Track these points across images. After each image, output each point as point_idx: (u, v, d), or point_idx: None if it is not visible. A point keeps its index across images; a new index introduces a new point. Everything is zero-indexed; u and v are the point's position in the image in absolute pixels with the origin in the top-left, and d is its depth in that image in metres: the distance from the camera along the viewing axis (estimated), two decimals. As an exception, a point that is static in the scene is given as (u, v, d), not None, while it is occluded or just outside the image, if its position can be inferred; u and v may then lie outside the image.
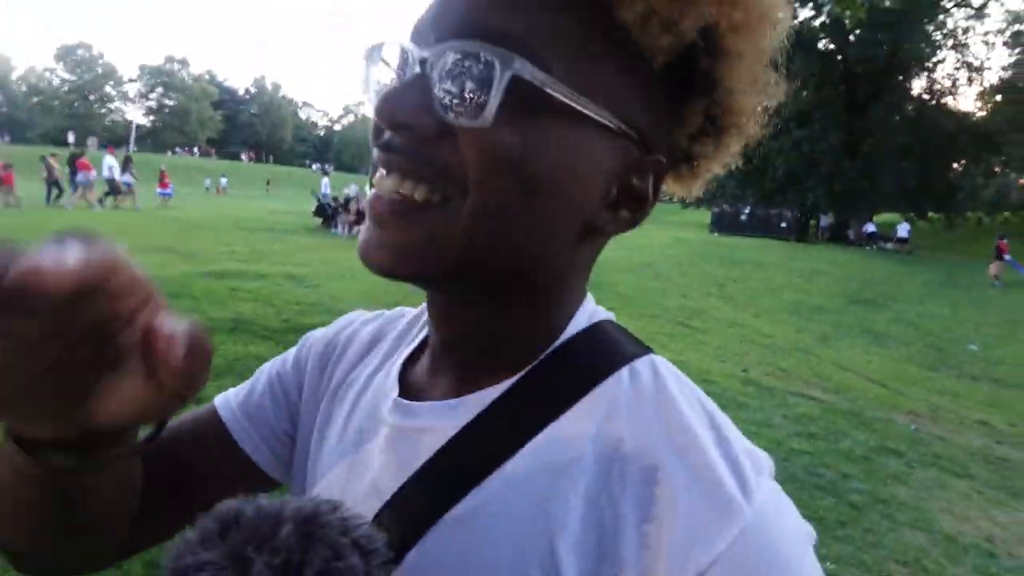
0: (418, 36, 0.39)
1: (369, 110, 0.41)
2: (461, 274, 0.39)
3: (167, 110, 74.84)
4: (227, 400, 0.58)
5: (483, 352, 0.44)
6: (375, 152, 0.39)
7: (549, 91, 0.35)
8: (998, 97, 29.68)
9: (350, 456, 0.48)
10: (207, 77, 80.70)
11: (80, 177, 16.24)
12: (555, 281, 0.43)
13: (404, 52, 0.39)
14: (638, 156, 0.39)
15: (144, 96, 75.40)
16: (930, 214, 27.92)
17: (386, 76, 0.41)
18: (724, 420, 0.40)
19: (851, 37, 24.41)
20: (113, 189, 16.83)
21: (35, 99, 69.91)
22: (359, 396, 0.51)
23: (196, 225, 12.98)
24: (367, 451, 0.46)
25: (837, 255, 18.94)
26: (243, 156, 68.49)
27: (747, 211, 24.31)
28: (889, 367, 7.76)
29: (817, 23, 24.10)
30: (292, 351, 0.59)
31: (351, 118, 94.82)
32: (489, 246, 0.38)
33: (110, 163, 16.86)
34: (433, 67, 0.36)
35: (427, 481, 0.41)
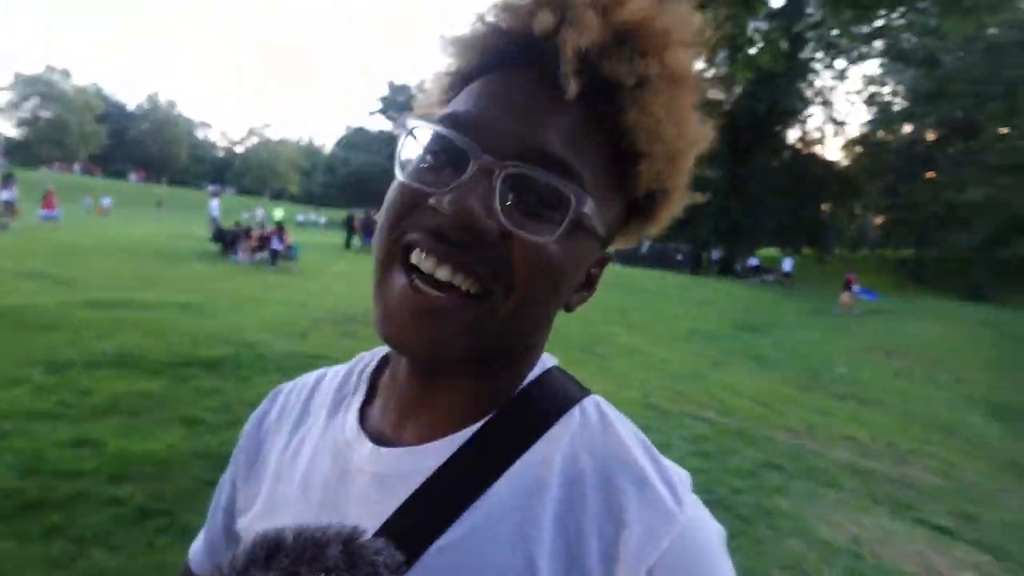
0: (469, 131, 0.43)
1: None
2: (480, 357, 0.45)
3: (43, 122, 68.08)
4: (194, 549, 0.63)
5: (455, 404, 0.49)
6: (414, 235, 0.43)
7: (592, 220, 0.45)
8: (858, 148, 33.67)
9: (318, 508, 0.50)
10: (92, 89, 74.58)
11: None
12: (534, 345, 0.51)
13: (449, 142, 0.44)
14: (601, 254, 0.50)
15: (15, 106, 68.20)
16: (804, 249, 30.94)
17: (413, 150, 0.47)
18: (651, 445, 0.50)
19: (736, 90, 26.97)
20: None
21: None
22: (316, 452, 0.53)
23: (75, 249, 11.85)
24: (339, 500, 0.49)
25: (726, 286, 20.45)
26: (132, 175, 63.52)
27: (647, 245, 25.79)
28: (770, 388, 8.44)
29: (707, 76, 26.43)
30: (229, 466, 0.63)
31: (254, 140, 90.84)
32: (513, 335, 0.46)
33: None
34: (502, 179, 0.42)
35: (409, 516, 0.45)
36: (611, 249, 0.53)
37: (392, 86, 70.90)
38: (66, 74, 70.30)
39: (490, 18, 0.47)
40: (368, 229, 20.03)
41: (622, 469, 0.46)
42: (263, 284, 10.42)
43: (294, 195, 79.85)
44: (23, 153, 60.86)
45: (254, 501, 0.56)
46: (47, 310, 5.97)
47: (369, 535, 0.41)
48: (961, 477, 6.05)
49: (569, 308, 0.50)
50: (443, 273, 0.42)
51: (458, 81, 0.49)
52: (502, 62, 0.46)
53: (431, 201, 0.42)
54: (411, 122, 0.46)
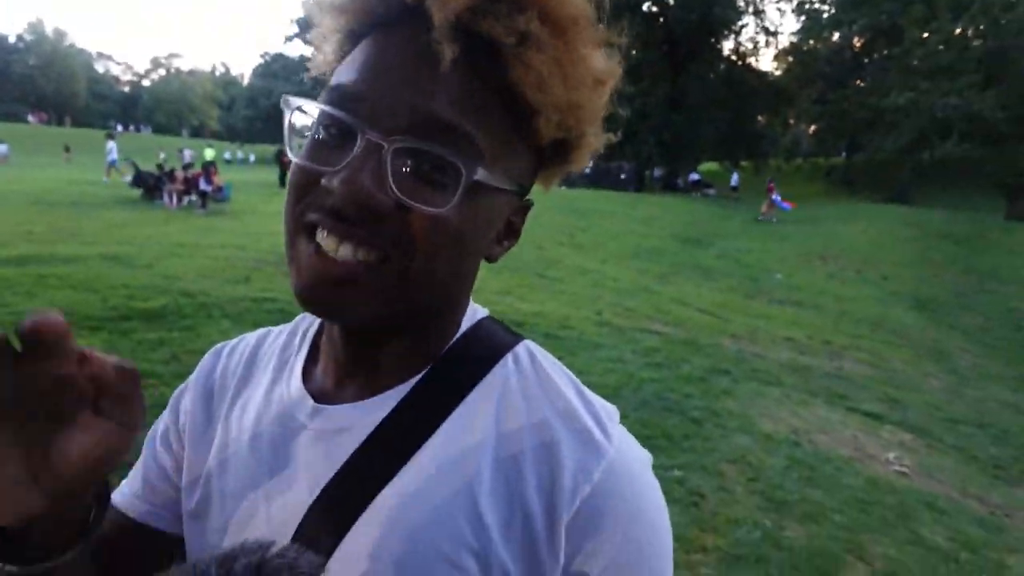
0: (355, 106, 0.42)
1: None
2: (394, 319, 0.47)
3: (-92, 61, 60.07)
4: (123, 493, 0.60)
5: (391, 361, 0.51)
6: (314, 215, 0.44)
7: (490, 182, 0.44)
8: (789, 58, 33.97)
9: (268, 466, 0.51)
10: (-39, 20, 65.75)
11: None
12: (455, 301, 0.52)
13: (340, 122, 0.43)
14: (519, 203, 0.50)
15: None
16: (742, 162, 31.67)
17: (302, 119, 0.46)
18: (581, 384, 0.52)
19: (670, 1, 26.40)
20: None
21: None
22: (262, 411, 0.55)
23: (-26, 203, 10.82)
24: (287, 457, 0.51)
25: (669, 202, 20.87)
26: (30, 117, 57.62)
27: (590, 165, 25.76)
28: (716, 298, 8.84)
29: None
30: (167, 411, 0.62)
31: (162, 72, 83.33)
32: (423, 296, 0.46)
33: None
34: (392, 154, 0.41)
35: (356, 470, 0.48)
36: (530, 195, 0.53)
37: (306, 6, 65.51)
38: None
39: None
40: (301, 164, 19.08)
41: (553, 409, 0.48)
42: (195, 229, 9.88)
43: (216, 131, 74.65)
44: None
45: (204, 460, 0.56)
46: (-44, 271, 5.49)
47: (284, 548, 0.40)
48: (888, 366, 6.62)
49: (491, 259, 0.51)
50: (345, 251, 0.42)
51: (346, 38, 0.48)
52: (382, 22, 0.45)
53: (323, 182, 0.42)
54: (295, 101, 0.45)
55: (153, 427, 0.62)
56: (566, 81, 0.43)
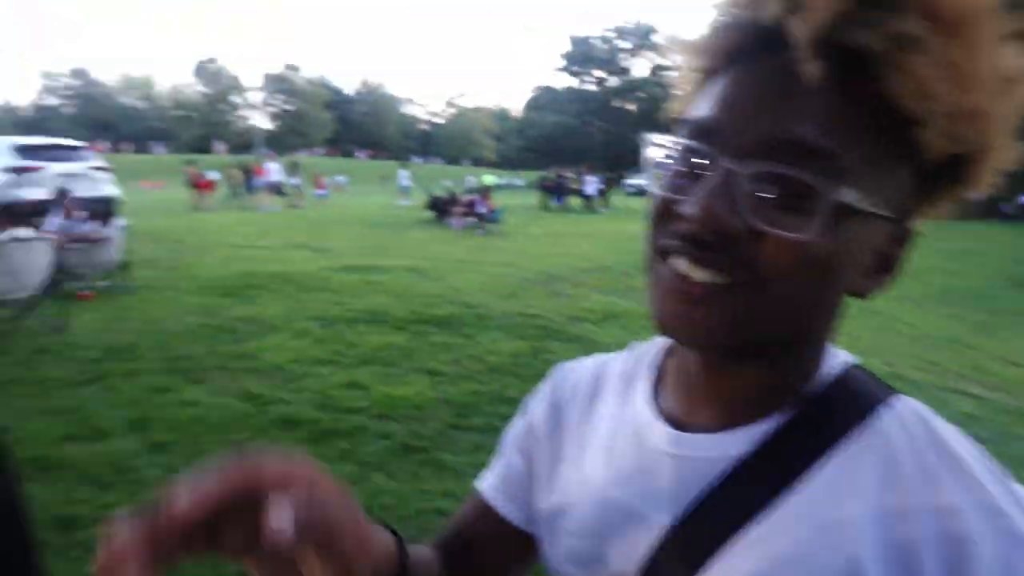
0: (708, 136, 0.43)
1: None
2: (746, 345, 0.45)
3: (287, 115, 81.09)
4: (489, 484, 0.65)
5: (747, 393, 0.49)
6: (669, 241, 0.45)
7: (859, 205, 0.41)
8: None
9: (622, 485, 0.53)
10: (320, 81, 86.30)
11: (258, 182, 19.53)
12: (813, 335, 0.49)
13: (692, 150, 0.44)
14: (897, 231, 0.45)
15: (268, 103, 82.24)
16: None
17: (659, 153, 0.48)
18: (992, 461, 0.43)
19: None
20: (277, 191, 19.58)
21: (178, 111, 78.65)
22: (614, 430, 0.56)
23: (325, 222, 14.00)
24: (643, 478, 0.52)
25: (992, 232, 16.86)
26: (360, 154, 72.68)
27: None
28: (1065, 360, 6.82)
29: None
30: (520, 415, 0.67)
31: (453, 111, 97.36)
32: (779, 324, 0.44)
33: (273, 167, 19.79)
34: (747, 179, 0.41)
35: (718, 505, 0.47)
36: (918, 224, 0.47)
37: (574, 40, 70.14)
38: (294, 69, 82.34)
39: (720, 15, 0.46)
40: (560, 191, 21.46)
41: (961, 489, 0.41)
42: (474, 247, 11.25)
43: (493, 161, 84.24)
44: (276, 143, 73.07)
45: (553, 469, 0.60)
46: (314, 275, 7.17)
47: None
48: None
49: (861, 295, 0.46)
50: (698, 275, 0.43)
51: (704, 76, 0.48)
52: (739, 57, 0.45)
53: (678, 209, 0.43)
54: (653, 137, 0.47)
55: (512, 426, 0.67)
56: (959, 83, 0.39)
